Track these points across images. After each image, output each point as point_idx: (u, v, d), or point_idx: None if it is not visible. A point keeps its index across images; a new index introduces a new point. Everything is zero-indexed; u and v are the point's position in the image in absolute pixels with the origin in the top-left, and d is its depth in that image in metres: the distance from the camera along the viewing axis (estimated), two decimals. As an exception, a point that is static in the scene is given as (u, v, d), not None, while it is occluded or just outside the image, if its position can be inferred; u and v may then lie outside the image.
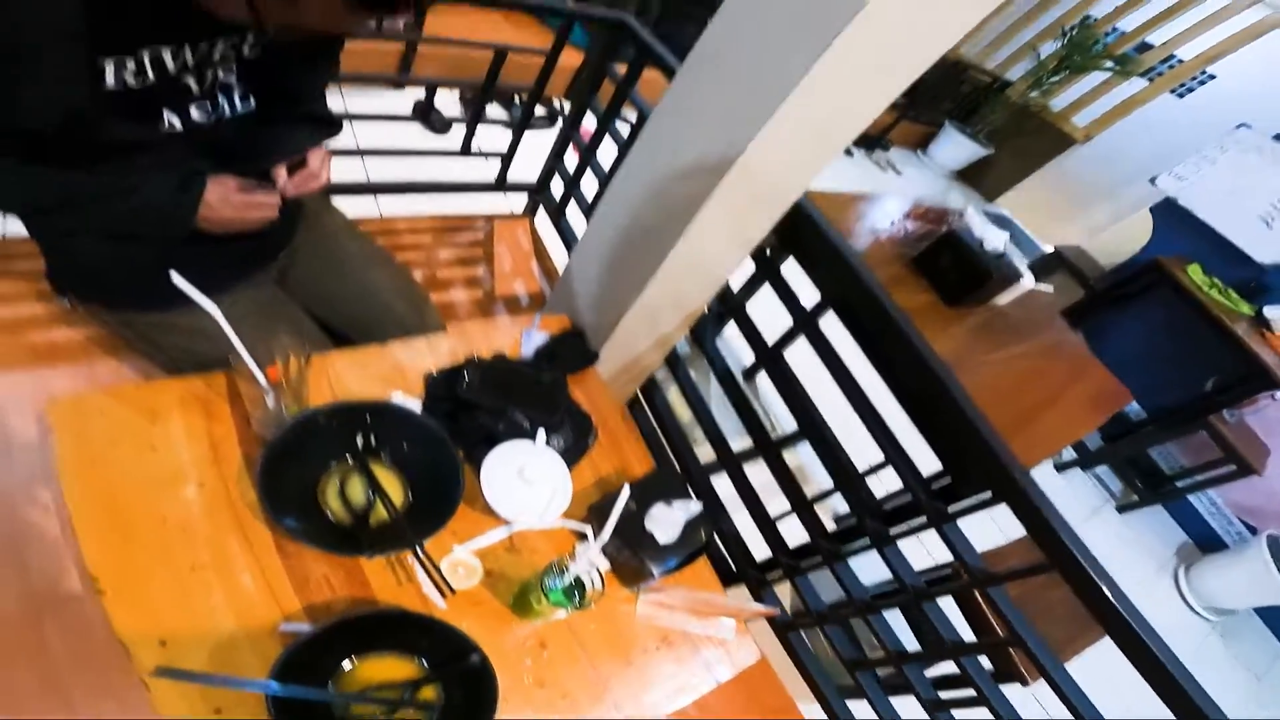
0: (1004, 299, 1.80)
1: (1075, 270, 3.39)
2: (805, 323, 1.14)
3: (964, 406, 0.95)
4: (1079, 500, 2.90)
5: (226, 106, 0.73)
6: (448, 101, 2.50)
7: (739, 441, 1.28)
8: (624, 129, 1.46)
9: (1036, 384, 1.73)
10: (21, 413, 0.87)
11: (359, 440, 0.75)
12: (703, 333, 1.30)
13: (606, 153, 1.43)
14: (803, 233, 1.06)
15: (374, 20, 0.60)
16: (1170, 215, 3.34)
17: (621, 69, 1.39)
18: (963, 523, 1.00)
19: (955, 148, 5.03)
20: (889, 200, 1.94)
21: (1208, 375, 2.95)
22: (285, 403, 0.70)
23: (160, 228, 0.75)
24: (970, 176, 5.21)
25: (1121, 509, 2.96)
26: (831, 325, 1.12)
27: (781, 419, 1.93)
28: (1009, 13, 5.18)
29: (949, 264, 1.68)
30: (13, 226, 0.85)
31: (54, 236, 0.81)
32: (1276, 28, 4.12)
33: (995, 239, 1.73)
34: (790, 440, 1.77)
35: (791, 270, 1.16)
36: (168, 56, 0.64)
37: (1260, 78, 4.81)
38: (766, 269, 1.19)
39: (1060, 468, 2.99)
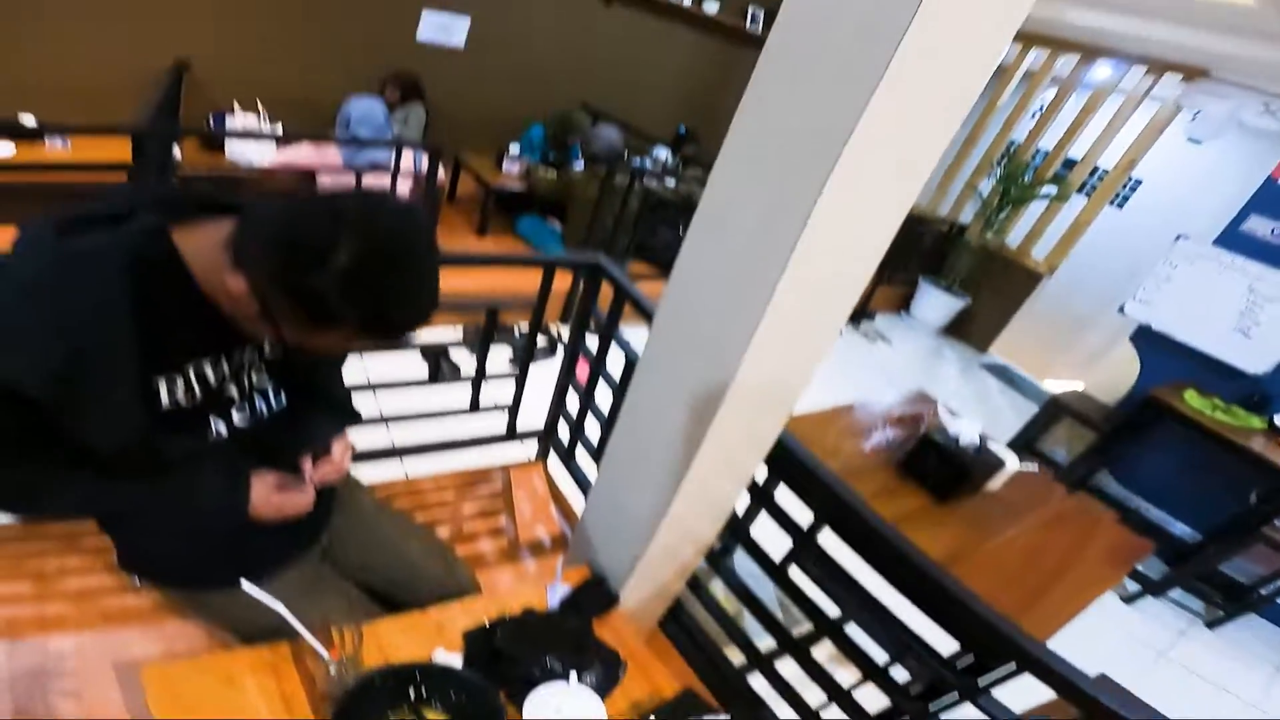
0: (994, 485, 1.89)
1: (1079, 414, 3.47)
2: (804, 542, 1.24)
3: (964, 599, 1.03)
4: (1161, 625, 2.81)
5: (264, 407, 0.88)
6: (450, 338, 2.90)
7: (765, 641, 1.31)
8: (617, 363, 1.65)
9: (1044, 556, 1.77)
10: (103, 672, 1.00)
11: (411, 693, 0.86)
12: (716, 559, 1.39)
13: (605, 393, 1.62)
14: (788, 462, 1.19)
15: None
16: (1151, 341, 3.47)
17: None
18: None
19: (935, 303, 5.33)
20: (864, 410, 2.09)
21: (1248, 489, 2.94)
22: (345, 669, 0.85)
23: (214, 523, 0.90)
24: (957, 330, 5.45)
25: (1212, 624, 2.86)
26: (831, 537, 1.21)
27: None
28: (940, 161, 5.80)
29: (932, 466, 1.81)
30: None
31: (122, 531, 0.95)
32: (1173, 119, 4.52)
33: (969, 432, 1.86)
34: (813, 638, 1.76)
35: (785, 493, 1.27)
36: (209, 369, 0.79)
37: (1178, 173, 5.26)
38: (761, 498, 1.30)
39: (1129, 599, 2.90)
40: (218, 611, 1.00)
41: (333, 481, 0.97)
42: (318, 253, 0.66)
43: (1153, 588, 2.91)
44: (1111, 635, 2.66)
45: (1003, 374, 5.11)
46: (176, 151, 3.03)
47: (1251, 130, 4.46)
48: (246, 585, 0.89)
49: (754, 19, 5.23)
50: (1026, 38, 5.06)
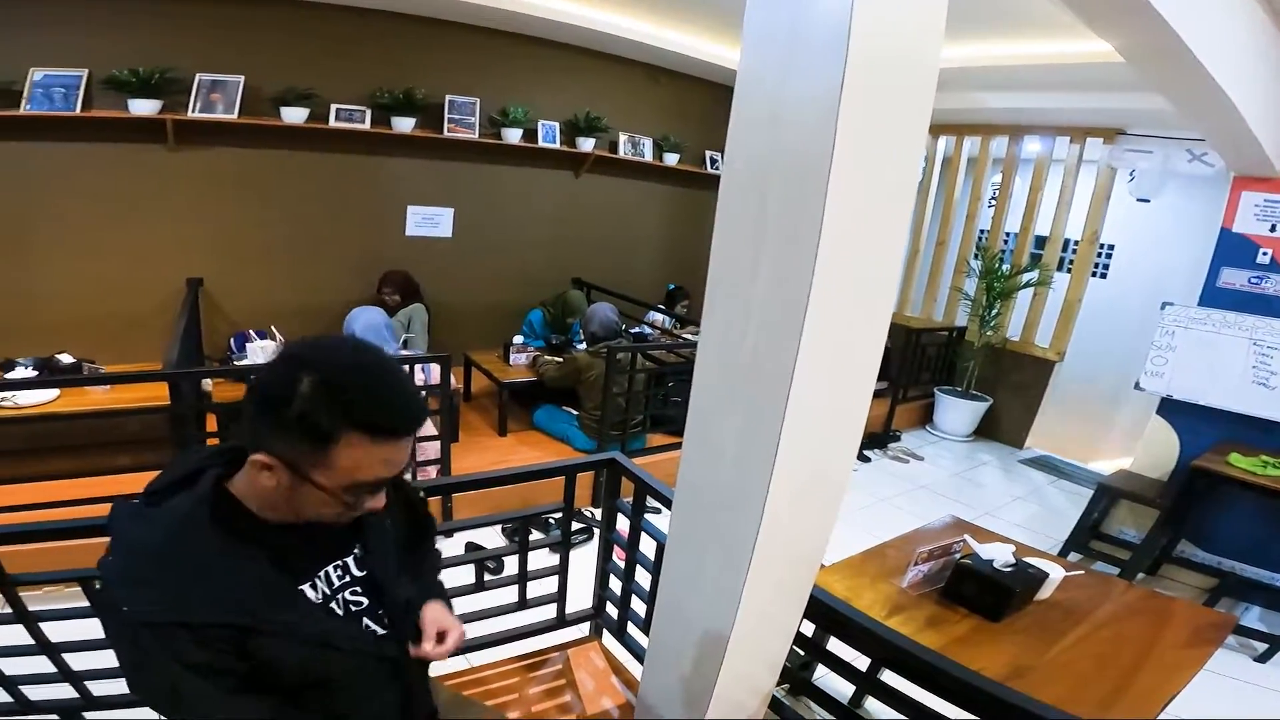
0: (1045, 595, 2.01)
1: (1133, 495, 3.59)
2: (866, 684, 1.40)
3: (1033, 709, 1.14)
4: None
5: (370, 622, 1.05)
6: (489, 532, 3.14)
7: None
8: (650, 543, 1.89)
9: (1117, 653, 1.82)
10: None
11: None
12: (783, 708, 1.55)
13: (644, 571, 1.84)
14: (831, 616, 1.38)
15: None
16: (1179, 411, 3.64)
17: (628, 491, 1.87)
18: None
19: (955, 411, 5.52)
20: (892, 549, 2.26)
21: None
22: None
23: None
24: (988, 431, 5.61)
25: None
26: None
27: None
28: (919, 268, 6.04)
29: (973, 592, 1.94)
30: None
31: None
32: (1113, 181, 4.87)
33: (1001, 554, 2.00)
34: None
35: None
36: (309, 590, 0.96)
37: (1141, 234, 5.53)
38: (814, 649, 1.48)
39: (1261, 658, 2.94)
40: None
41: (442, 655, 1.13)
42: (284, 393, 0.83)
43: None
44: (1260, 697, 2.69)
45: (1046, 465, 5.22)
46: (207, 383, 3.48)
47: (1188, 179, 4.81)
48: None
49: (713, 162, 5.94)
50: (956, 128, 5.65)
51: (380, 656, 1.04)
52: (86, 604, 1.42)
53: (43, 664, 1.49)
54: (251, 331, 4.05)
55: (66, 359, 3.46)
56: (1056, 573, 2.02)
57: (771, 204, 0.92)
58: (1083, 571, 2.26)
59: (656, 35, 4.86)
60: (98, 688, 1.55)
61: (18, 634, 1.48)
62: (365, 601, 1.04)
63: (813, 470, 1.05)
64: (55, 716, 1.53)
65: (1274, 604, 3.29)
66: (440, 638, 1.11)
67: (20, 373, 3.27)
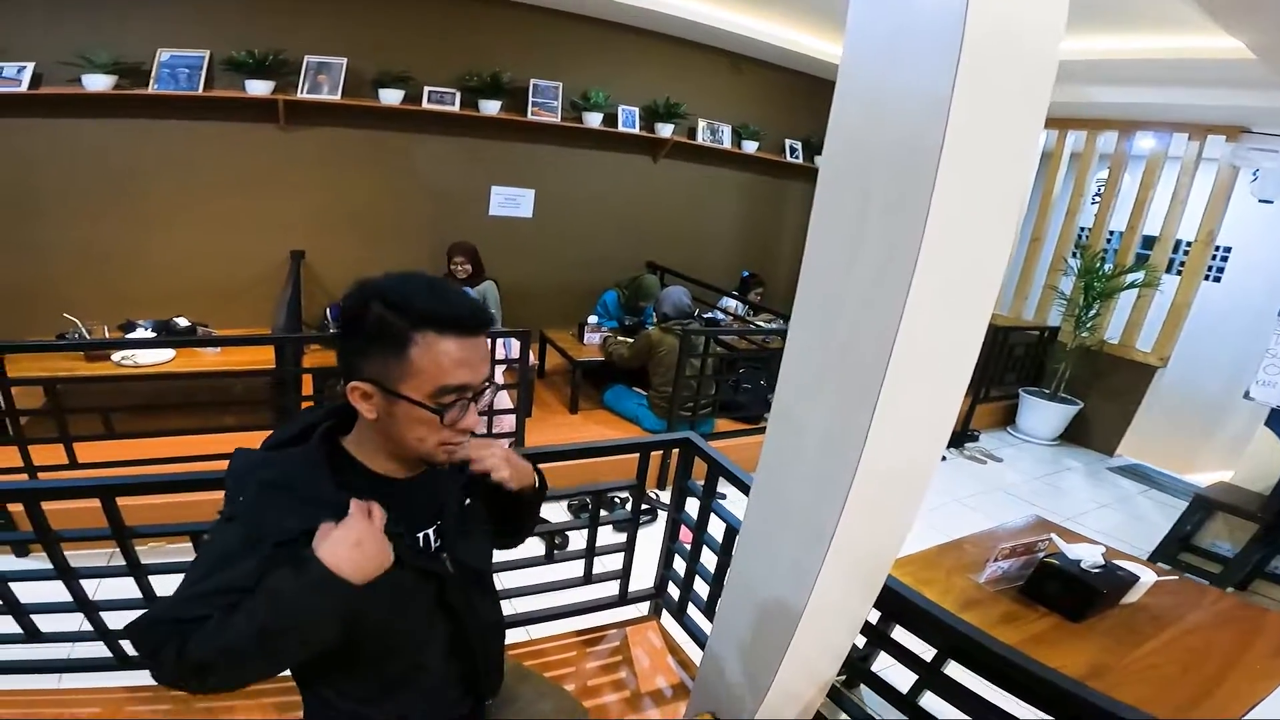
0: (1132, 599, 1.92)
1: (1231, 507, 3.40)
2: (929, 675, 1.36)
3: (1109, 708, 1.08)
4: None
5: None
6: (558, 508, 3.22)
7: None
8: (718, 526, 1.89)
9: (1203, 659, 1.75)
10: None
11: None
12: (841, 696, 1.53)
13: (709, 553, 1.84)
14: (899, 604, 1.35)
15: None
16: (1288, 423, 3.38)
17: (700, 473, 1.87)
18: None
19: (1041, 413, 5.27)
20: (970, 544, 2.19)
21: None
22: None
23: (304, 614, 0.86)
24: (1075, 436, 5.33)
25: None
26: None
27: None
28: (1010, 266, 5.81)
29: (1056, 590, 1.87)
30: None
31: (318, 690, 1.10)
32: (1234, 181, 4.54)
33: (1090, 554, 1.92)
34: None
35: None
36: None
37: (1262, 237, 5.12)
38: (877, 637, 1.44)
39: None
40: None
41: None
42: (359, 312, 0.91)
43: None
44: None
45: (1137, 474, 4.91)
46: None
47: None
48: None
49: (792, 151, 5.82)
50: (1061, 122, 5.33)
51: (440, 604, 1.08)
52: (121, 564, 1.52)
53: (79, 620, 1.53)
54: (344, 303, 4.25)
55: (183, 322, 3.71)
56: (1147, 576, 1.93)
57: (874, 194, 0.89)
58: (1176, 577, 2.15)
59: (738, 22, 4.78)
60: None
61: (128, 587, 1.55)
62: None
63: (899, 462, 1.03)
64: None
65: None
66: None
67: (140, 334, 3.50)
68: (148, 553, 1.56)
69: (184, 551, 1.45)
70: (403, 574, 0.97)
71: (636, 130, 5.05)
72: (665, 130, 5.12)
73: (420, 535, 1.06)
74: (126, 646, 1.58)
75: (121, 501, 1.48)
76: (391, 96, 4.17)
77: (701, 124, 5.39)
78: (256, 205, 4.13)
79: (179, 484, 1.52)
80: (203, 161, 3.92)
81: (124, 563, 1.53)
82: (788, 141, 5.85)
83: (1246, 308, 5.16)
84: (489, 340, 1.02)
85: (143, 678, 1.42)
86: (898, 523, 1.14)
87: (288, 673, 1.12)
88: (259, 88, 3.77)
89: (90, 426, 2.68)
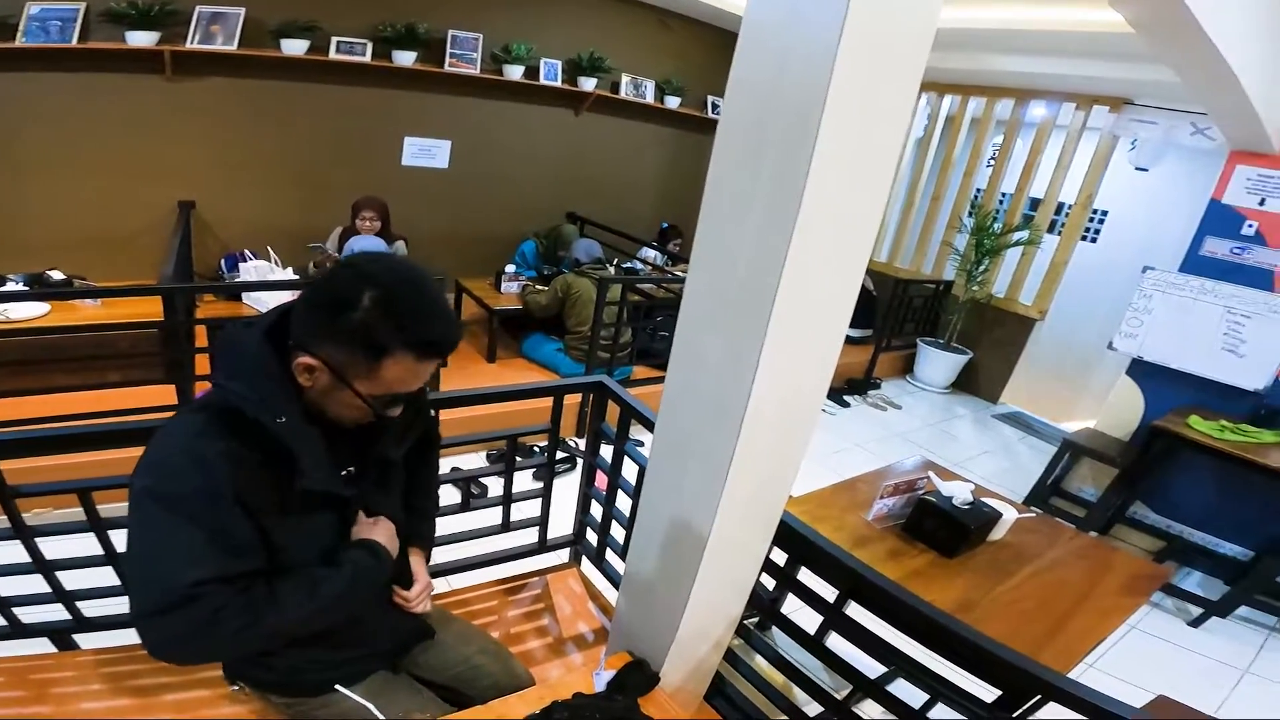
0: (997, 535, 2.07)
1: (1095, 453, 3.64)
2: (832, 615, 1.44)
3: (979, 642, 1.19)
4: (1239, 643, 2.92)
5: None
6: (475, 458, 3.17)
7: (813, 707, 1.47)
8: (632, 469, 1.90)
9: (1059, 593, 1.90)
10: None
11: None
12: (752, 635, 1.59)
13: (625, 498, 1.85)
14: (802, 544, 1.41)
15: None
16: (1148, 373, 3.68)
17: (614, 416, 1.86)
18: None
19: (936, 363, 5.56)
20: (862, 483, 2.30)
21: None
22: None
23: (375, 586, 1.09)
24: (965, 385, 5.66)
25: None
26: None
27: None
28: (912, 221, 6.03)
29: (932, 527, 2.00)
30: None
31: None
32: (1114, 149, 4.84)
33: (961, 491, 2.05)
34: (853, 697, 1.90)
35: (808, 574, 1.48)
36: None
37: (1135, 202, 5.52)
38: (785, 580, 1.50)
39: (1195, 623, 3.00)
40: (316, 716, 1.18)
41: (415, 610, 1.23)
42: (350, 299, 0.88)
43: (1217, 609, 3.01)
44: (1186, 660, 2.77)
45: (1018, 421, 5.29)
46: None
47: (1188, 151, 4.79)
48: (342, 689, 1.13)
49: (715, 107, 5.80)
50: (963, 88, 5.54)
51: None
52: (82, 519, 1.38)
53: (36, 583, 1.42)
54: (247, 251, 4.01)
55: (57, 275, 3.39)
56: (1009, 514, 2.08)
57: (769, 140, 0.92)
58: (1035, 514, 2.32)
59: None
60: (90, 608, 1.48)
61: (14, 551, 1.41)
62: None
63: (788, 391, 1.08)
64: (45, 639, 1.47)
65: (1214, 570, 3.38)
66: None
67: (11, 288, 3.19)
68: (33, 518, 1.42)
69: (71, 514, 1.36)
70: (318, 513, 1.00)
71: (559, 84, 4.91)
72: (588, 84, 5.00)
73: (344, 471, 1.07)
74: (17, 612, 1.44)
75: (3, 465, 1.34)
76: (295, 47, 3.87)
77: (625, 79, 5.29)
78: (141, 154, 3.78)
79: (65, 440, 1.38)
80: (80, 113, 3.56)
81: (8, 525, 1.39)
82: (710, 98, 5.82)
83: (1118, 266, 5.54)
84: None
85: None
86: (790, 451, 1.19)
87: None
88: (141, 39, 3.45)
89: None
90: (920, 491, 2.09)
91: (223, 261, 4.02)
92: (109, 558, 1.41)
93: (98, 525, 1.37)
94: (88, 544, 1.40)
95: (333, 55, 4.02)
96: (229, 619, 0.85)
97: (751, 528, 1.26)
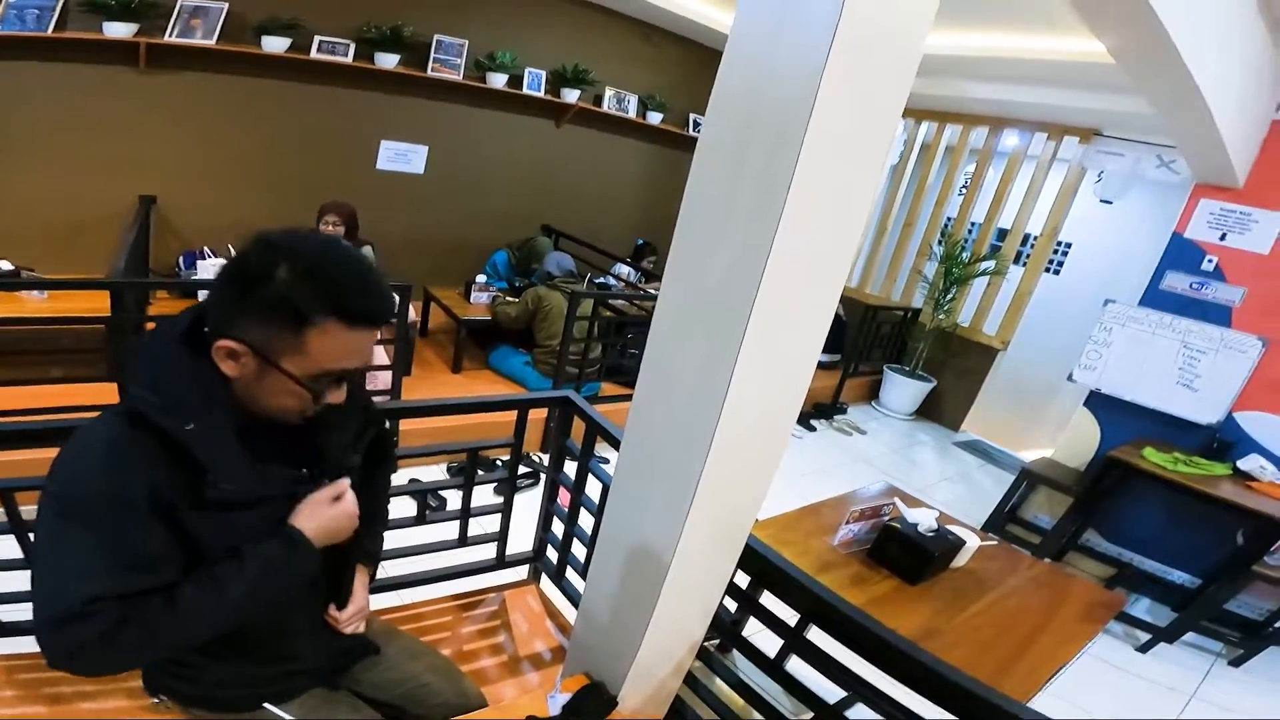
0: (959, 562, 2.07)
1: (1051, 481, 3.70)
2: (793, 639, 1.41)
3: (940, 671, 1.17)
4: (1185, 668, 2.98)
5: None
6: (435, 470, 3.08)
7: None
8: (595, 487, 1.86)
9: (1018, 621, 1.91)
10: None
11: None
12: (713, 659, 1.55)
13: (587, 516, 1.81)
14: (766, 568, 1.38)
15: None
16: (1105, 405, 3.74)
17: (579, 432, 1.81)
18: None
19: (901, 390, 5.60)
20: (827, 507, 2.29)
21: (1232, 531, 3.20)
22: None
23: (292, 580, 0.95)
24: (928, 412, 5.71)
25: (1235, 662, 3.03)
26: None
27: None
28: (884, 247, 6.09)
29: (896, 553, 1.99)
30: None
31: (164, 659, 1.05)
32: (1080, 181, 4.93)
33: (926, 519, 2.05)
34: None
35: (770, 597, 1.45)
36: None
37: (1099, 235, 5.63)
38: (747, 602, 1.47)
39: (1143, 648, 3.05)
40: None
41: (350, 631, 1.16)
42: (263, 273, 0.81)
43: (1165, 635, 3.06)
44: (1133, 685, 2.81)
45: (977, 449, 5.35)
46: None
47: (1153, 184, 4.90)
48: (270, 707, 1.06)
49: (696, 125, 5.82)
50: (940, 115, 5.62)
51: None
52: (3, 519, 1.29)
53: None
54: (206, 249, 3.90)
55: (5, 265, 3.25)
56: (972, 541, 2.08)
57: (749, 158, 0.91)
58: (996, 542, 2.33)
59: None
60: (7, 612, 1.35)
61: None
62: None
63: (760, 411, 1.05)
64: None
65: (1163, 597, 3.45)
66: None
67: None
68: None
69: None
70: (251, 511, 0.92)
71: (542, 94, 4.89)
72: (571, 96, 4.99)
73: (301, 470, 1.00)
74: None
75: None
76: (276, 45, 3.80)
77: (609, 92, 5.28)
78: (106, 148, 3.66)
79: None
80: (47, 102, 3.45)
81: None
82: (692, 115, 5.84)
83: (1079, 299, 5.67)
84: None
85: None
86: (759, 474, 1.16)
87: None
88: (118, 30, 3.37)
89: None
90: (885, 518, 2.09)
91: (181, 259, 3.89)
92: (29, 561, 1.31)
93: (19, 527, 1.27)
94: (7, 546, 1.30)
95: (314, 55, 3.94)
96: (126, 635, 0.78)
97: (717, 550, 1.22)
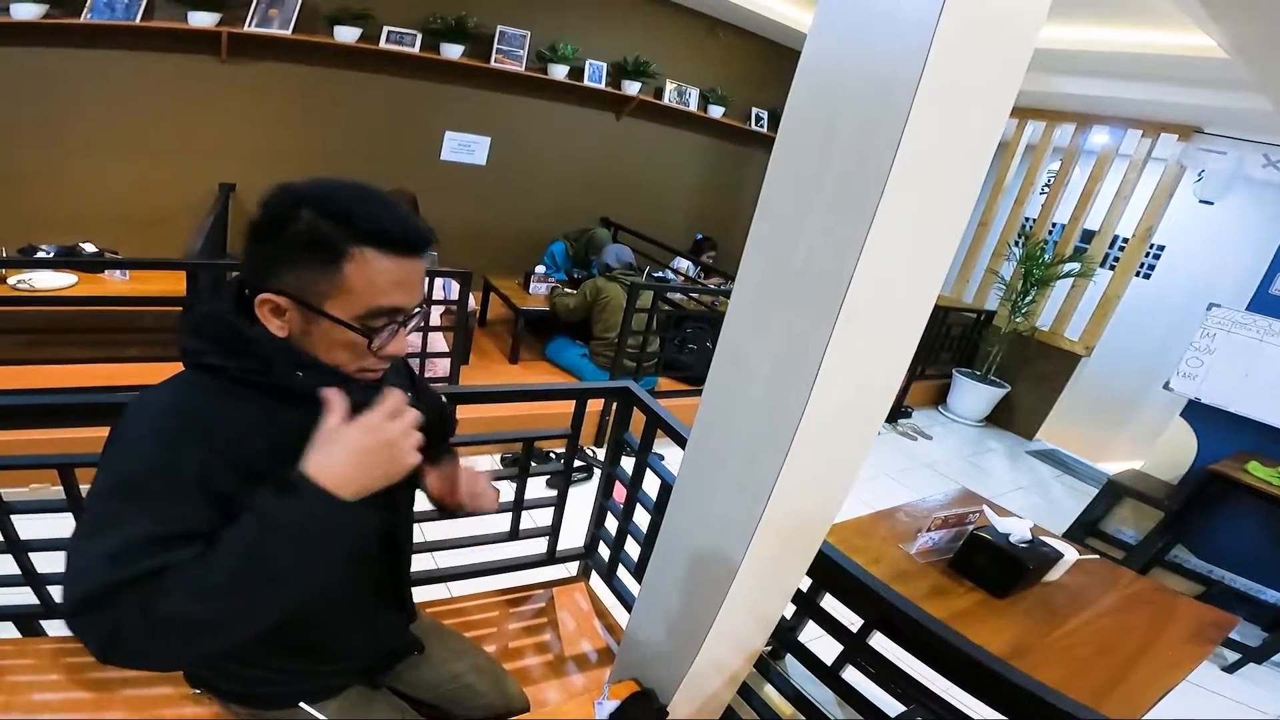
0: (1053, 576, 1.90)
1: (1140, 494, 3.46)
2: (855, 645, 1.28)
3: (1032, 689, 1.03)
4: (1274, 689, 2.80)
5: None
6: (489, 460, 3.06)
7: None
8: (653, 483, 1.77)
9: (1119, 641, 1.74)
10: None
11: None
12: (766, 665, 1.43)
13: (643, 512, 1.72)
14: (833, 572, 1.25)
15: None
16: (1204, 415, 3.47)
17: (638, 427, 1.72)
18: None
19: (972, 395, 5.32)
20: (907, 514, 2.13)
21: None
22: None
23: (310, 539, 0.72)
24: (999, 419, 5.41)
25: None
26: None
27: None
28: (958, 247, 5.94)
29: (985, 564, 1.83)
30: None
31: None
32: (1179, 180, 4.59)
33: (1019, 528, 1.88)
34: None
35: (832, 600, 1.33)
36: None
37: (1197, 237, 5.24)
38: (807, 605, 1.36)
39: (1230, 669, 2.86)
40: None
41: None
42: (286, 216, 0.76)
43: (1255, 655, 2.85)
44: (1220, 706, 2.64)
45: (1054, 459, 5.04)
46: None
47: (1259, 184, 4.55)
48: (306, 707, 1.01)
49: (758, 119, 5.68)
50: (1021, 111, 5.32)
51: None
52: (61, 498, 1.26)
53: (5, 564, 1.28)
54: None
55: (90, 248, 3.38)
56: (1070, 554, 1.91)
57: (840, 132, 0.82)
58: (1097, 556, 2.16)
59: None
60: (56, 593, 1.33)
61: None
62: None
63: (847, 409, 0.94)
64: (10, 624, 1.35)
65: (1256, 617, 3.18)
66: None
67: (41, 257, 3.17)
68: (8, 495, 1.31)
69: (49, 491, 1.25)
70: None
71: (602, 86, 4.83)
72: (632, 88, 4.91)
73: None
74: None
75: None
76: (347, 34, 3.85)
77: (670, 85, 5.18)
78: (188, 136, 3.77)
79: (46, 410, 1.28)
80: (133, 90, 3.55)
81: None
82: (754, 110, 5.69)
83: (1171, 304, 5.30)
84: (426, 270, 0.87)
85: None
86: (840, 479, 1.05)
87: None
88: (202, 19, 3.45)
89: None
90: (971, 526, 1.93)
91: (255, 244, 3.99)
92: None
93: (77, 505, 1.26)
94: (63, 524, 1.28)
95: (383, 45, 4.00)
96: (128, 632, 0.67)
97: (788, 558, 1.12)
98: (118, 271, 3.15)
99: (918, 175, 0.78)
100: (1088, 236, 5.11)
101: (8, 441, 1.31)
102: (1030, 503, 4.25)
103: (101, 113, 3.52)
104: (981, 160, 0.85)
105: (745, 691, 1.43)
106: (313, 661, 1.02)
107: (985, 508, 2.01)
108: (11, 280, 2.87)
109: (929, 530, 1.87)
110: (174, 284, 2.79)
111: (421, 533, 1.65)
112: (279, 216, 0.77)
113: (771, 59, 5.53)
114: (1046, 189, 5.37)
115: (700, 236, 5.48)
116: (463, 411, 1.47)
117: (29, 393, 2.12)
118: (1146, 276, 5.60)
